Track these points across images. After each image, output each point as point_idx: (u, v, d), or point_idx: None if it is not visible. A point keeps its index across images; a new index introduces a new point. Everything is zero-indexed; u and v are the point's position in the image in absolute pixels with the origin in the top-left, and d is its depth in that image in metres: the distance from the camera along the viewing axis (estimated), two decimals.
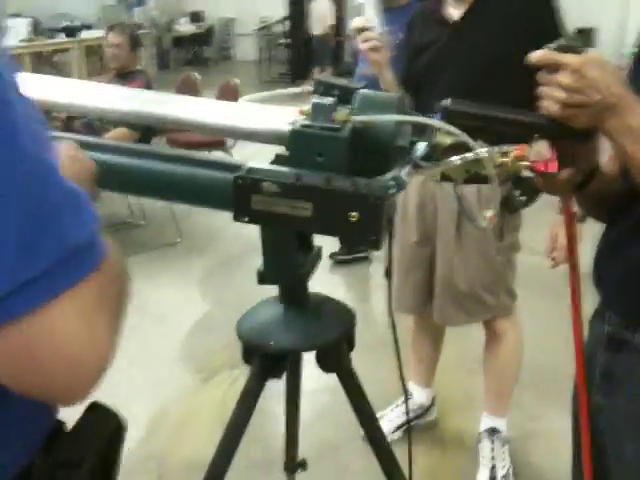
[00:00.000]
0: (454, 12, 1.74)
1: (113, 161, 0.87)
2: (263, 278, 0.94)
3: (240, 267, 3.57)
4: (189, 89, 4.86)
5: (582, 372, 1.06)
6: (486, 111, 0.87)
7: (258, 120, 0.86)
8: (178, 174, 0.87)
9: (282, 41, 11.61)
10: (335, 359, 1.04)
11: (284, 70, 11.30)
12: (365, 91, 0.86)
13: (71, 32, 9.43)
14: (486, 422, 2.06)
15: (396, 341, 1.03)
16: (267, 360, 1.02)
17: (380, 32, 1.70)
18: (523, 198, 1.71)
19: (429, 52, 1.77)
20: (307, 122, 0.81)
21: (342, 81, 0.89)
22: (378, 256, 3.68)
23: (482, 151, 0.84)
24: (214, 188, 0.84)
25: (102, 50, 8.14)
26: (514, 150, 0.86)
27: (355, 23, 1.71)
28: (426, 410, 2.25)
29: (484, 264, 1.83)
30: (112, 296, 0.56)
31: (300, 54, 10.76)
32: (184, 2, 13.35)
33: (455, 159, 0.86)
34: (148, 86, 3.80)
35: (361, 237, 0.81)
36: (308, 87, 0.91)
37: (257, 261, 0.94)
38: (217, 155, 4.02)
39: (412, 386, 2.22)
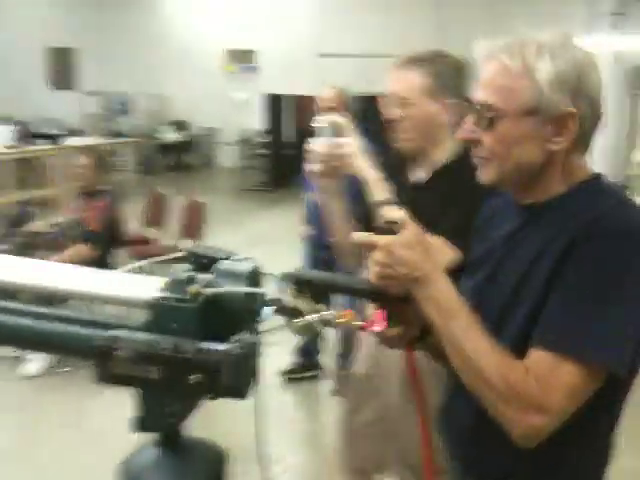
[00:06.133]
0: None
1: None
2: (141, 426, 0.99)
3: None
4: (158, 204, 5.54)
5: None
6: (325, 280, 1.04)
7: (126, 288, 1.00)
8: (48, 331, 1.00)
9: (261, 151, 12.77)
10: None
11: (263, 179, 12.49)
12: (223, 263, 0.97)
13: (55, 138, 10.48)
14: None
15: None
16: None
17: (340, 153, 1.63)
18: None
19: None
20: (164, 294, 0.94)
21: (210, 250, 1.00)
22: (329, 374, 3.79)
23: (325, 314, 1.02)
24: (81, 346, 0.98)
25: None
26: (343, 314, 1.03)
27: (313, 146, 1.68)
28: None
29: None
30: None
31: (277, 164, 12.15)
32: (168, 111, 14.58)
33: (305, 319, 1.01)
34: (112, 204, 4.22)
35: (212, 393, 0.92)
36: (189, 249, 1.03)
37: None
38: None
39: None
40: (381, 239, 1.00)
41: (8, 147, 8.83)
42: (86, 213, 3.99)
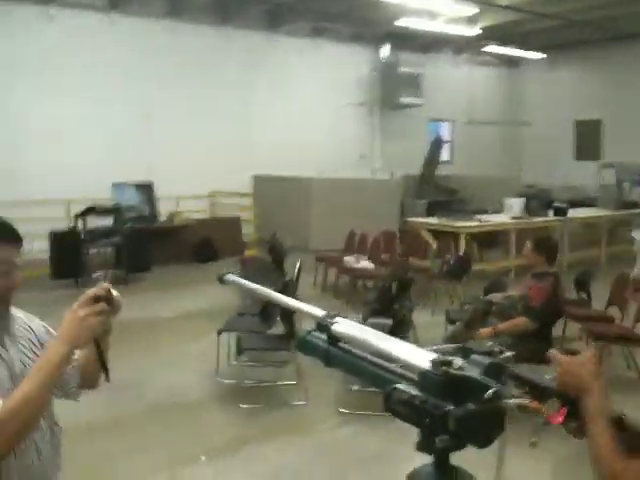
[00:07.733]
0: None
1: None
2: (419, 447, 1.43)
3: None
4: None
5: None
6: (526, 377, 1.42)
7: (415, 356, 1.49)
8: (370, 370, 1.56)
9: None
10: None
11: None
12: (477, 355, 1.41)
13: (560, 211, 10.19)
14: None
15: None
16: None
17: None
18: None
19: None
20: (429, 367, 1.41)
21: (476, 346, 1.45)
22: None
23: (523, 402, 1.36)
24: (382, 385, 1.50)
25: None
26: (536, 404, 1.38)
27: None
28: None
29: None
30: None
31: None
32: None
33: (506, 402, 1.35)
34: (556, 284, 4.41)
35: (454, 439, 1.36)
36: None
37: None
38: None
39: None
40: (563, 357, 1.45)
41: (513, 218, 9.98)
42: (530, 291, 4.45)
